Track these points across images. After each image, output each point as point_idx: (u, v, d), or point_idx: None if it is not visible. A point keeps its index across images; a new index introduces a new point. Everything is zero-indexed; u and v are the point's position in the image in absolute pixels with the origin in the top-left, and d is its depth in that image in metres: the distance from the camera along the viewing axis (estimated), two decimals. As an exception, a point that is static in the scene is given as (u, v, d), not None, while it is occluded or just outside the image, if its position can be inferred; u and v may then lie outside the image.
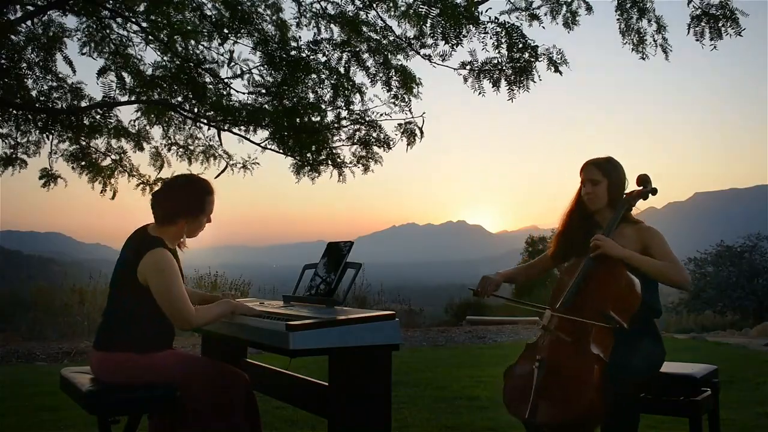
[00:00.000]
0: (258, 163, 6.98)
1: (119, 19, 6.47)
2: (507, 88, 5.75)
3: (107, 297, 2.48)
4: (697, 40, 5.34)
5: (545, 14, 5.73)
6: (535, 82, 5.66)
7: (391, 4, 5.94)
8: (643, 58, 5.69)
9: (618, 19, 5.71)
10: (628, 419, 2.27)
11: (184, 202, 2.46)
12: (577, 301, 2.40)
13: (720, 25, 5.28)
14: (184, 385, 2.29)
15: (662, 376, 2.49)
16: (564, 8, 5.71)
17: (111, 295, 2.46)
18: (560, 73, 5.58)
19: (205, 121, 6.82)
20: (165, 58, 6.51)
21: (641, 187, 2.64)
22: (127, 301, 2.38)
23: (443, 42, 5.63)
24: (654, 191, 2.63)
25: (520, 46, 5.51)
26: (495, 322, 12.09)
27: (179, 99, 6.58)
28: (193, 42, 6.55)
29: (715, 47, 5.32)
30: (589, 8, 5.71)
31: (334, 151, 6.67)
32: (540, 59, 5.57)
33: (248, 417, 2.39)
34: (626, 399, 2.26)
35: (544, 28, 5.68)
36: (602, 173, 2.62)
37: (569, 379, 2.18)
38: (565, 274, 2.60)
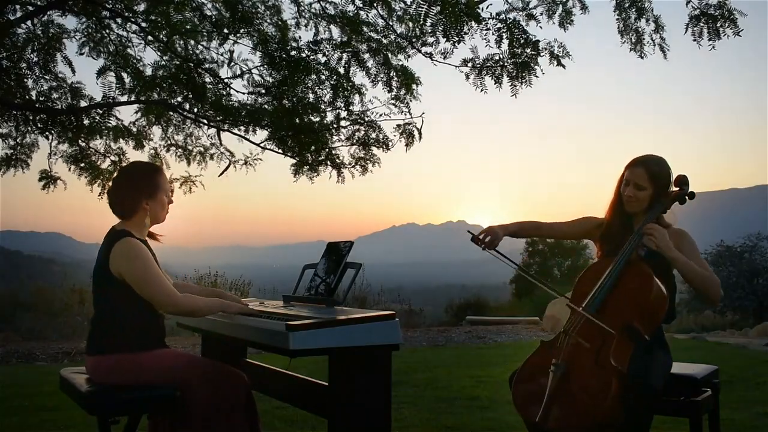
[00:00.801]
0: (260, 159, 6.98)
1: (119, 20, 6.47)
2: (509, 83, 5.75)
3: (93, 302, 2.47)
4: (694, 40, 5.33)
5: (541, 14, 5.73)
6: (537, 76, 5.66)
7: (389, 8, 5.94)
8: (641, 57, 5.69)
9: (617, 19, 5.71)
10: (641, 430, 2.23)
11: (135, 187, 2.44)
12: (603, 307, 2.30)
13: (718, 25, 5.27)
14: (184, 385, 2.29)
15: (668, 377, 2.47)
16: (560, 8, 5.70)
17: (95, 300, 2.46)
18: (563, 66, 5.57)
19: (205, 121, 6.82)
20: (165, 58, 6.51)
21: (678, 189, 2.50)
22: (110, 300, 2.37)
23: (444, 39, 5.63)
24: (692, 195, 2.49)
25: (522, 41, 5.50)
26: (495, 322, 12.11)
27: (179, 99, 6.58)
28: (192, 42, 6.56)
29: (713, 47, 5.32)
30: (584, 7, 5.69)
31: (333, 151, 6.67)
32: (542, 54, 5.56)
33: (247, 417, 2.39)
34: (641, 410, 2.21)
35: (541, 27, 5.68)
36: (650, 180, 2.47)
37: (586, 390, 2.12)
38: (590, 272, 2.48)
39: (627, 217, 2.58)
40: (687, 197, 2.50)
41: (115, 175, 2.63)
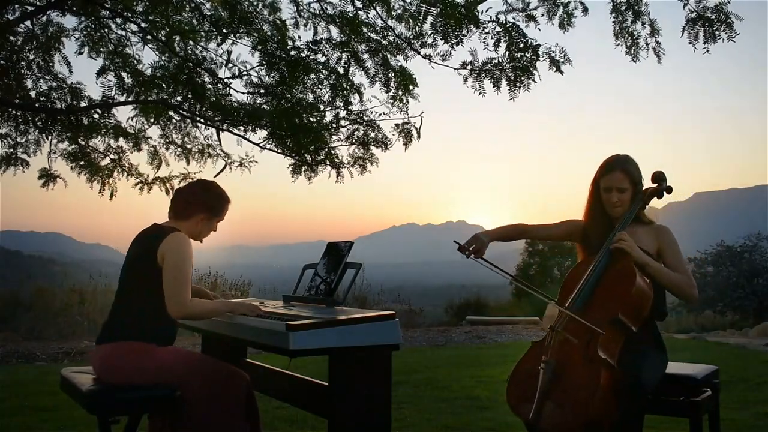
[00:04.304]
0: (256, 161, 7.00)
1: (118, 19, 6.47)
2: (507, 87, 5.75)
3: (115, 294, 2.49)
4: (690, 43, 5.35)
5: (542, 15, 5.73)
6: (535, 81, 5.65)
7: (388, 7, 5.95)
8: (635, 60, 5.69)
9: (613, 22, 5.72)
10: (634, 428, 2.24)
11: (205, 200, 2.57)
12: (588, 303, 2.33)
13: (714, 29, 5.28)
14: (184, 385, 2.29)
15: (662, 376, 2.48)
16: (560, 9, 5.70)
17: (121, 290, 2.47)
18: (561, 72, 5.57)
19: (203, 120, 6.82)
20: (164, 57, 6.51)
21: (656, 185, 2.54)
22: (140, 290, 2.39)
23: (443, 41, 5.63)
24: (669, 189, 2.53)
25: (521, 45, 5.50)
26: (495, 322, 12.10)
27: (178, 99, 6.58)
28: (192, 42, 6.56)
29: (707, 51, 5.34)
30: (585, 9, 5.69)
31: (332, 151, 6.67)
32: (542, 59, 5.55)
33: (248, 417, 2.39)
34: (635, 410, 2.22)
35: (540, 30, 5.68)
36: (629, 180, 2.49)
37: (576, 385, 2.14)
38: (575, 271, 2.51)
39: (609, 219, 2.58)
40: (665, 192, 2.54)
41: (193, 181, 2.78)
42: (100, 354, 2.39)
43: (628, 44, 5.66)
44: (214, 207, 2.59)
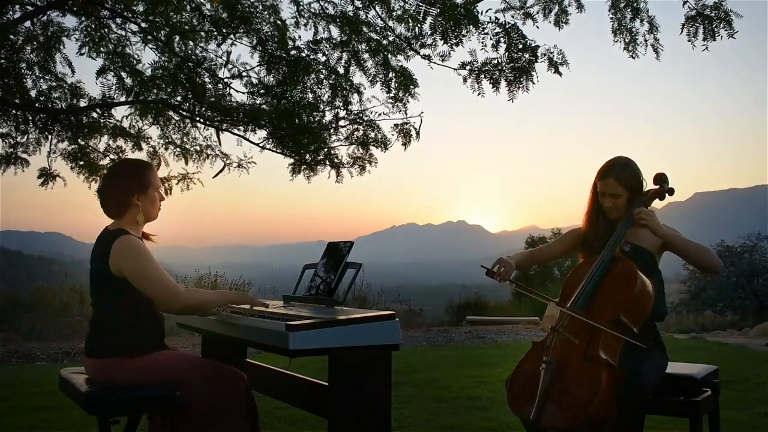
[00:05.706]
0: (254, 162, 7.00)
1: (118, 19, 6.47)
2: (507, 88, 5.75)
3: (91, 303, 2.46)
4: (689, 40, 5.35)
5: (537, 12, 5.72)
6: (534, 83, 5.65)
7: (388, 7, 5.95)
8: (633, 57, 5.69)
9: (611, 18, 5.71)
10: (635, 428, 2.25)
11: (127, 184, 2.43)
12: (589, 303, 2.35)
13: (714, 26, 5.28)
14: (184, 386, 2.29)
15: (663, 376, 2.48)
16: (556, 6, 5.69)
17: (93, 302, 2.45)
18: (560, 74, 5.57)
19: (203, 120, 6.82)
20: (163, 57, 6.51)
21: (658, 186, 2.58)
22: (110, 303, 2.36)
23: (443, 42, 5.63)
24: (671, 191, 2.56)
25: (520, 46, 5.50)
26: (495, 322, 12.11)
27: (178, 99, 6.58)
28: (191, 42, 6.56)
29: (706, 48, 5.34)
30: (579, 6, 5.69)
31: (332, 151, 6.67)
32: (540, 60, 5.55)
33: (248, 417, 2.39)
34: (635, 409, 2.23)
35: (538, 27, 5.67)
36: (624, 187, 2.53)
37: (577, 385, 2.15)
38: (576, 272, 2.53)
39: (609, 222, 2.61)
40: (667, 193, 2.57)
41: (104, 174, 2.62)
42: (91, 366, 2.38)
43: (627, 41, 5.66)
44: (137, 187, 2.42)
